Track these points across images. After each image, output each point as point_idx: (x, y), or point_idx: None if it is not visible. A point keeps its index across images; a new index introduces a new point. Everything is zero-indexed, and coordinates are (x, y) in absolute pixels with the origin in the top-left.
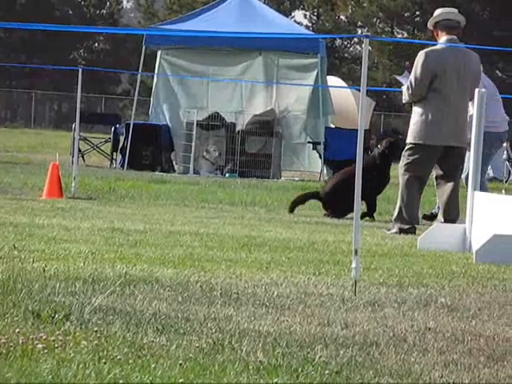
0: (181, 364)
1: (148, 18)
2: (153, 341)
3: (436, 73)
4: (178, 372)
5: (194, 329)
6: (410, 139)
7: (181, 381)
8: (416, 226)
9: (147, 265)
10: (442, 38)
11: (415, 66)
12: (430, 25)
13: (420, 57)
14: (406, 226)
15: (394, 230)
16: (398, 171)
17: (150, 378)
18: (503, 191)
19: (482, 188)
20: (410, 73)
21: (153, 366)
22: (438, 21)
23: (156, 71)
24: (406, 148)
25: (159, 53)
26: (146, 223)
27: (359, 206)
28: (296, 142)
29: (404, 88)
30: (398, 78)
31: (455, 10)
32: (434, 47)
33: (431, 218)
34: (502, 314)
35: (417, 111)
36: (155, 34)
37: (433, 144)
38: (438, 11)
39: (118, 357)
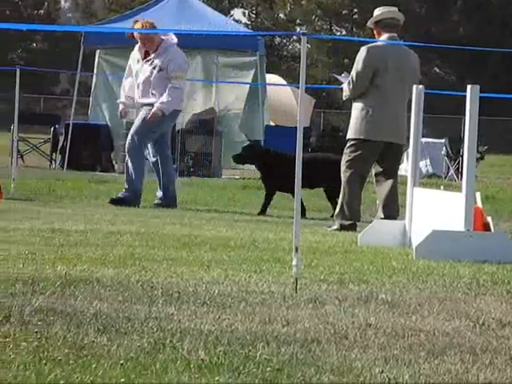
0: (122, 364)
1: (86, 17)
2: (94, 341)
3: (377, 69)
4: (119, 372)
5: (135, 328)
6: (350, 135)
7: (122, 380)
8: (357, 222)
9: (88, 265)
10: (383, 36)
11: (357, 62)
12: (370, 23)
13: (362, 52)
14: (347, 223)
15: (334, 227)
16: (341, 168)
17: (91, 379)
18: (442, 187)
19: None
20: (349, 73)
21: (94, 366)
22: (379, 20)
23: (95, 71)
24: (348, 145)
25: (98, 52)
26: (86, 223)
27: (299, 203)
28: (236, 141)
29: (345, 84)
30: (338, 76)
31: (395, 9)
32: (375, 43)
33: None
34: (442, 309)
35: (357, 107)
36: (92, 30)
37: (373, 139)
38: (379, 10)
39: (59, 357)
